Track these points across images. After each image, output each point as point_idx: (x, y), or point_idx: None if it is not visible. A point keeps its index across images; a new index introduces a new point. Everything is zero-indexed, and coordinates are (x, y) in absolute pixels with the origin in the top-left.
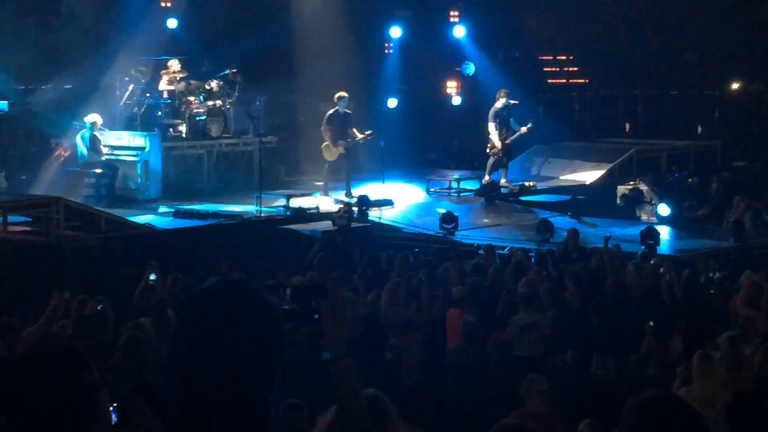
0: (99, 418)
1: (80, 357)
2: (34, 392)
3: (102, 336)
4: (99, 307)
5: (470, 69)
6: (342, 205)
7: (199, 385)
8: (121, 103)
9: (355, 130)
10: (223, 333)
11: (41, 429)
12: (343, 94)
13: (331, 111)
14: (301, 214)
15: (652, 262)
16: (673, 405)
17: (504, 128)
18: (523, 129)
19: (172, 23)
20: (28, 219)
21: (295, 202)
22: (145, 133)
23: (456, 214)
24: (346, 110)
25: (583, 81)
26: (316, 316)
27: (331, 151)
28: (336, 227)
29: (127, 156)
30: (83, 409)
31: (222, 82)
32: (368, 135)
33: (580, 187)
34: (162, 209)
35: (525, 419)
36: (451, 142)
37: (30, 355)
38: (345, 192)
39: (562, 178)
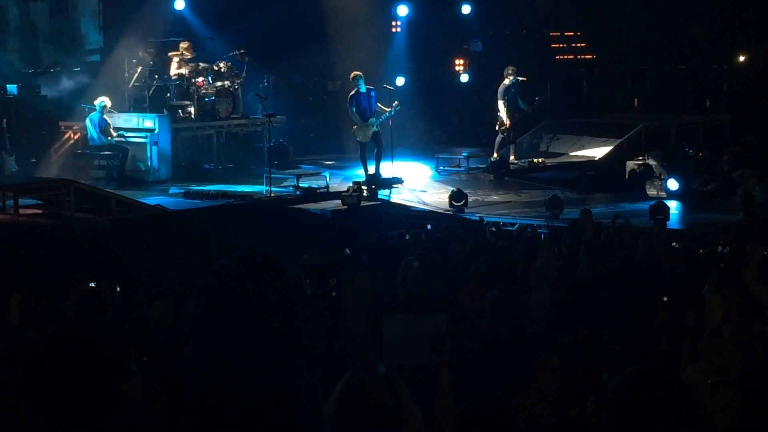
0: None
1: (116, 342)
2: (60, 372)
3: (102, 314)
4: (91, 285)
5: (478, 46)
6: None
7: (224, 360)
8: (130, 85)
9: (381, 105)
10: (247, 305)
11: (61, 410)
12: (357, 73)
13: (352, 92)
14: (311, 194)
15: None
16: (658, 378)
17: (512, 105)
18: (529, 107)
19: (179, 5)
20: (39, 202)
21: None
22: (155, 115)
23: (465, 191)
24: (369, 87)
25: (591, 57)
26: (334, 294)
27: (363, 132)
28: (346, 206)
29: (136, 138)
30: (102, 399)
31: (230, 63)
32: (395, 106)
33: (589, 163)
34: (172, 190)
35: (534, 399)
36: (459, 120)
37: (66, 333)
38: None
39: (570, 154)
